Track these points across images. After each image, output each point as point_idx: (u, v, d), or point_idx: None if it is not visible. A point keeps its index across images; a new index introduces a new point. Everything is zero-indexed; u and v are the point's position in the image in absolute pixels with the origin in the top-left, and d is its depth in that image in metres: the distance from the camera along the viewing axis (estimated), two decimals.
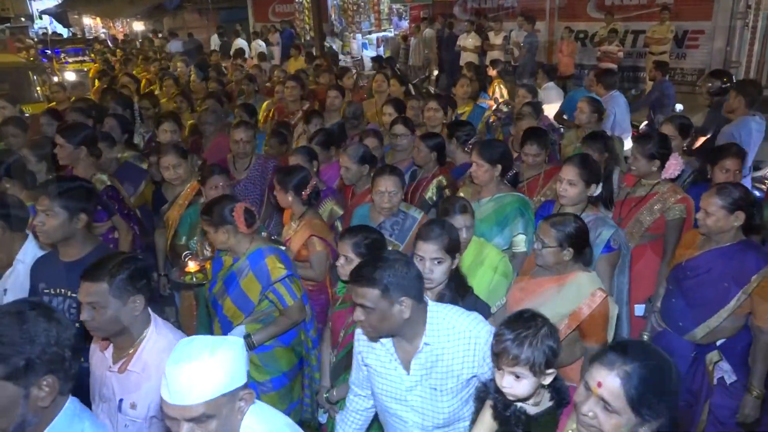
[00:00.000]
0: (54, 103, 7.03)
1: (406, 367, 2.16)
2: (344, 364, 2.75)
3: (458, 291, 2.59)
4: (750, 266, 2.87)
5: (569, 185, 3.20)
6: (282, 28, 15.54)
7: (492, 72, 8.45)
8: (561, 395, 1.94)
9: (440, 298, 2.52)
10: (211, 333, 3.56)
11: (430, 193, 4.16)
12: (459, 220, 2.92)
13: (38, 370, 1.56)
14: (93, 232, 2.78)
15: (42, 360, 1.56)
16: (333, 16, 16.69)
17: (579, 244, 2.72)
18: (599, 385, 1.59)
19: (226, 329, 3.11)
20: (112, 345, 2.25)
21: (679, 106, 7.57)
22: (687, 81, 11.62)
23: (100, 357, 2.30)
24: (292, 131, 5.85)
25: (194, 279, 3.46)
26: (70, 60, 16.82)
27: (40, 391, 1.57)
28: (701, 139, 5.72)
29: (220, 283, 3.13)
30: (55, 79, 11.01)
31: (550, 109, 6.83)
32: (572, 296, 2.69)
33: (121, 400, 2.20)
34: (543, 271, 2.83)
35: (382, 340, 2.19)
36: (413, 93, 7.69)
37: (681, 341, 3.06)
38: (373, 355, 2.24)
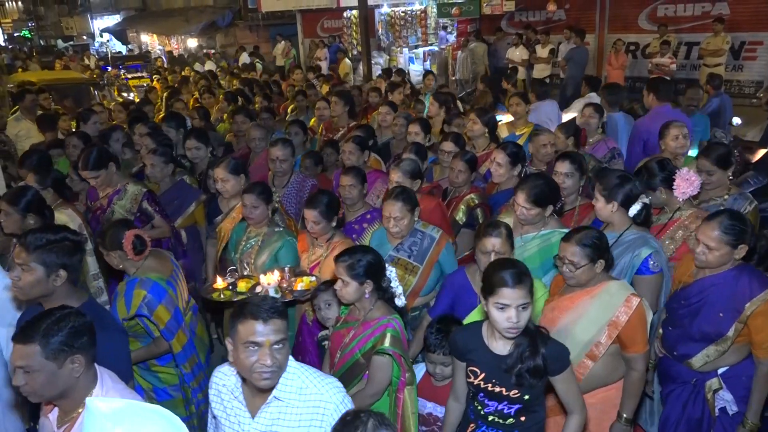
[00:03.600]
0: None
1: (253, 413, 2.06)
2: (344, 384, 2.73)
3: (537, 336, 2.35)
4: (743, 293, 2.69)
5: (597, 203, 3.20)
6: (329, 43, 15.82)
7: (506, 85, 8.34)
8: None
9: (517, 347, 2.34)
10: None
11: (461, 214, 4.02)
12: (486, 243, 2.87)
13: None
14: (77, 287, 2.59)
15: None
16: (380, 31, 16.84)
17: (606, 253, 2.71)
18: None
19: None
20: (56, 408, 2.08)
21: (736, 120, 7.34)
22: (744, 93, 11.24)
23: (45, 422, 2.13)
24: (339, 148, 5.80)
25: (221, 296, 3.42)
26: (130, 76, 17.58)
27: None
28: (760, 152, 5.53)
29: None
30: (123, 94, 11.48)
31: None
32: (606, 304, 2.67)
33: None
34: (569, 288, 2.81)
35: (230, 386, 2.09)
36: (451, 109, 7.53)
37: (680, 367, 2.92)
38: (221, 406, 2.14)
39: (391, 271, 2.77)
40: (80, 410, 2.00)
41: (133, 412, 1.55)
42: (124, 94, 12.40)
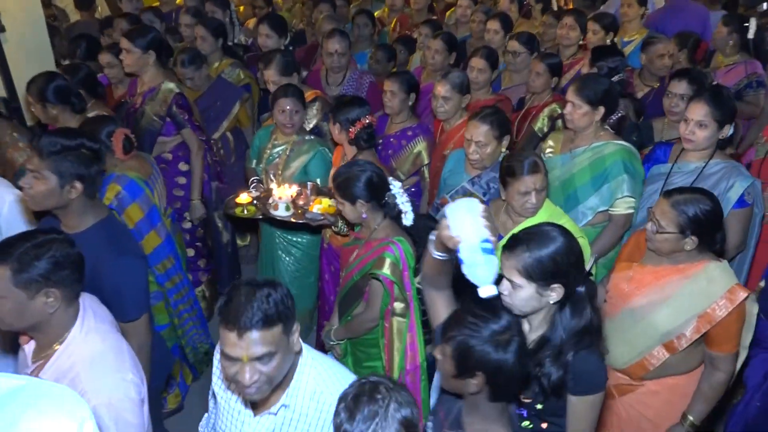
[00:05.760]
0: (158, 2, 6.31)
1: (255, 411, 1.72)
2: (346, 304, 2.70)
3: (584, 337, 1.81)
4: None
5: (698, 127, 2.71)
6: None
7: None
8: None
9: (540, 346, 1.84)
10: (273, 269, 3.53)
11: (540, 124, 3.64)
12: (528, 182, 2.46)
13: None
14: (96, 200, 2.34)
15: None
16: None
17: (707, 232, 2.16)
18: None
19: None
20: (32, 341, 1.91)
21: None
22: None
23: (21, 354, 1.97)
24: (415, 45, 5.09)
25: (245, 212, 3.23)
26: None
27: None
28: None
29: None
30: None
31: None
32: (702, 292, 2.17)
33: None
34: (656, 257, 2.27)
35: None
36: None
37: None
38: (222, 388, 1.80)
39: (395, 186, 2.56)
40: (56, 347, 1.83)
41: (25, 394, 1.21)
42: None
